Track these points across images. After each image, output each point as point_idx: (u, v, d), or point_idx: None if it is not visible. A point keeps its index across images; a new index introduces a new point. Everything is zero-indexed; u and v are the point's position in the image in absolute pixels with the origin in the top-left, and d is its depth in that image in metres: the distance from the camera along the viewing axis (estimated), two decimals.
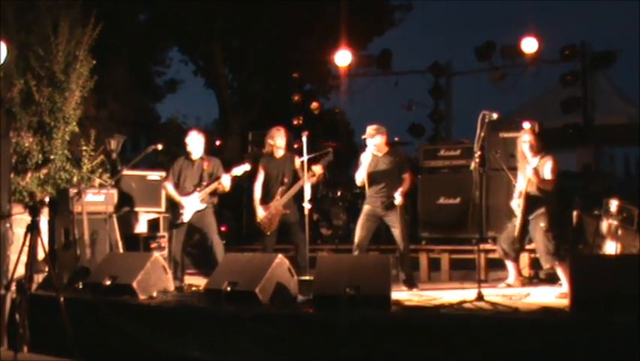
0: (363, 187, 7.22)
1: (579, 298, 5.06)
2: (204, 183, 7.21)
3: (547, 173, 6.44)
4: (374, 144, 7.10)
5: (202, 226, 7.25)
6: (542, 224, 6.37)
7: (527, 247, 6.98)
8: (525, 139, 6.57)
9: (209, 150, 7.58)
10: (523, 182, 6.50)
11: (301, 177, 7.15)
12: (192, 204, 7.17)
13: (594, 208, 7.53)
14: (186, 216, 7.18)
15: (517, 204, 6.56)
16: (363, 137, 7.16)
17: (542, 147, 6.55)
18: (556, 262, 6.37)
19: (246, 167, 7.29)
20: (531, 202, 6.43)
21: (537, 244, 6.50)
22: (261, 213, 7.25)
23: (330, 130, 13.31)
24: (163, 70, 18.34)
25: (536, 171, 6.37)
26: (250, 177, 7.78)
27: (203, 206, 7.19)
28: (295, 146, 7.83)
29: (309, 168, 7.12)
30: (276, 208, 7.22)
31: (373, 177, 7.08)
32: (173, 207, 7.33)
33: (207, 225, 7.22)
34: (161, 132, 17.31)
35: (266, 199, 7.32)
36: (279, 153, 7.42)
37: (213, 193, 7.27)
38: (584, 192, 8.86)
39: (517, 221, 6.50)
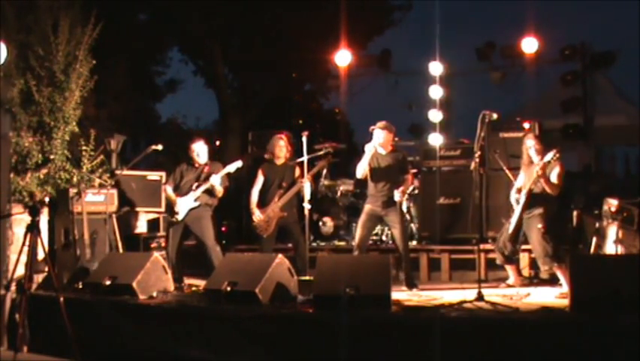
0: (361, 181, 7.18)
1: (579, 298, 5.06)
2: (198, 183, 7.23)
3: (554, 177, 6.42)
4: (380, 137, 7.02)
5: (196, 230, 7.22)
6: (539, 225, 6.35)
7: (525, 246, 6.97)
8: (529, 144, 6.57)
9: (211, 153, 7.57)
10: (527, 182, 6.46)
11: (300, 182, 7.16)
12: (186, 203, 7.19)
13: (594, 208, 7.54)
14: (181, 214, 7.18)
15: (515, 199, 6.55)
16: (372, 128, 7.05)
17: (545, 146, 6.55)
18: (554, 264, 6.35)
19: (237, 163, 7.31)
20: (532, 200, 6.42)
21: (534, 246, 6.47)
22: (257, 215, 7.25)
23: (330, 130, 13.34)
24: (163, 70, 18.33)
25: (544, 172, 6.32)
26: (249, 179, 7.78)
27: (197, 203, 7.18)
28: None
29: (309, 170, 7.13)
30: (273, 211, 7.21)
31: (374, 176, 7.06)
32: (171, 207, 7.35)
33: (202, 229, 7.17)
34: (161, 132, 17.34)
35: (263, 204, 7.32)
36: (280, 160, 7.43)
37: (211, 194, 7.26)
38: (584, 192, 8.87)
39: (514, 217, 6.48)
